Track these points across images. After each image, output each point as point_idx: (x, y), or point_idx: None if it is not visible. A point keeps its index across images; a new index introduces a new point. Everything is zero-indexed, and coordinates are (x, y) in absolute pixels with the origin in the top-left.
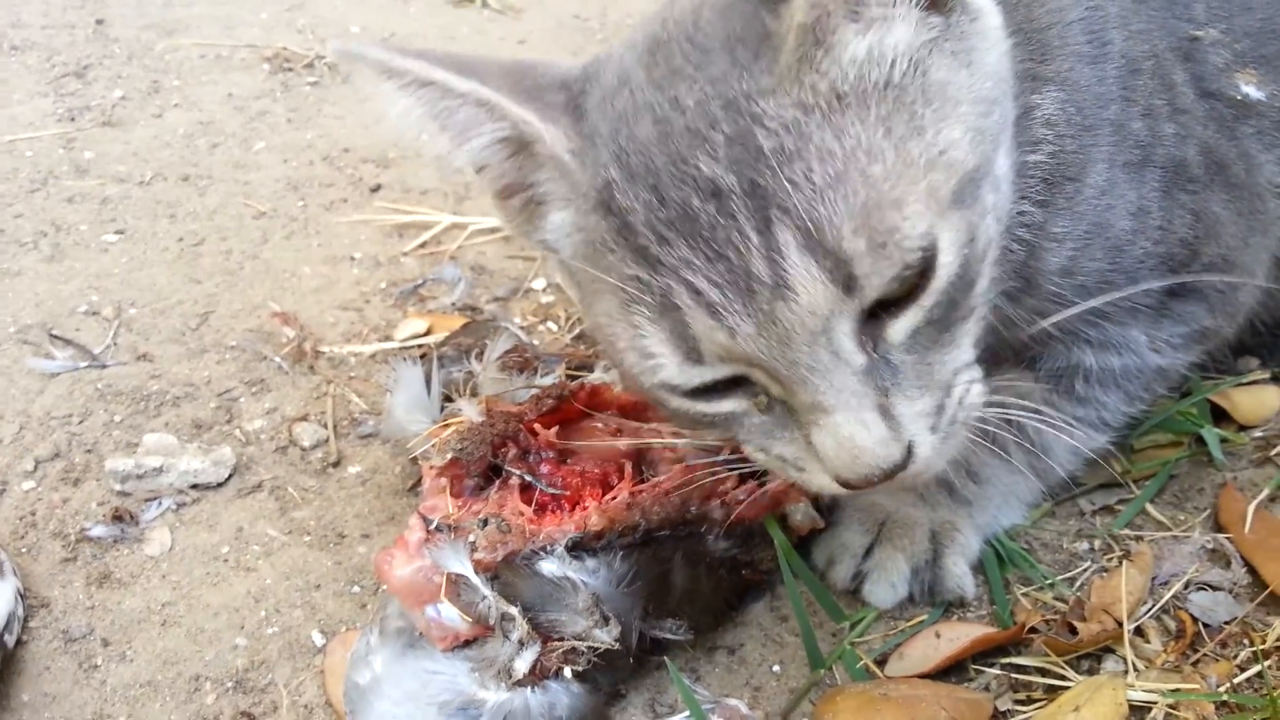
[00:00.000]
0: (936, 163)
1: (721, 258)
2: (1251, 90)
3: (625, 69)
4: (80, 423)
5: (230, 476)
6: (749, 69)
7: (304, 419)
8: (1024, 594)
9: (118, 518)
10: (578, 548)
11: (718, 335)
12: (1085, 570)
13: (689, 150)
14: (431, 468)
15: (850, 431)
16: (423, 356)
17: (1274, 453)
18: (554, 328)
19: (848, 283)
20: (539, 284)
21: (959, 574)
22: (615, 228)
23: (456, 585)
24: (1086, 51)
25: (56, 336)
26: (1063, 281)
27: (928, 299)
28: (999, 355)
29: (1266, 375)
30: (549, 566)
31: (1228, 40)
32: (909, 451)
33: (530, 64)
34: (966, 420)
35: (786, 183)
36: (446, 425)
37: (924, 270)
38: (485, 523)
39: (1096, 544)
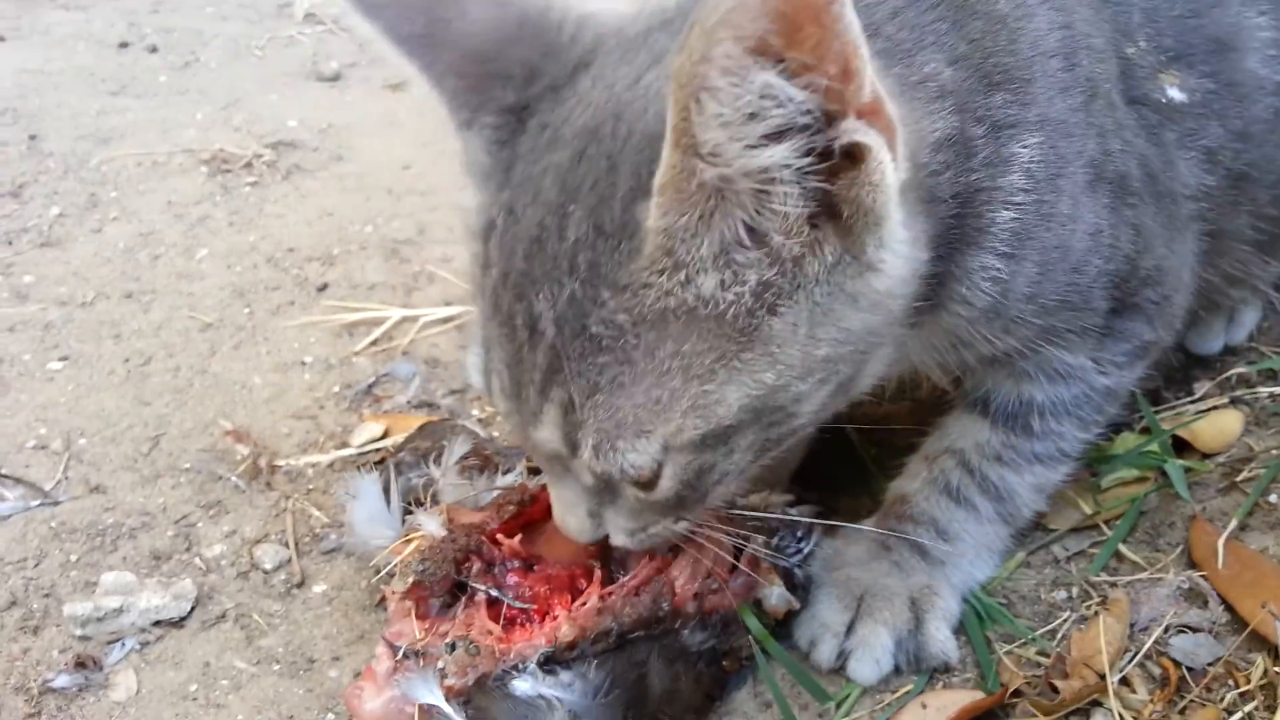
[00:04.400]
0: (698, 410)
1: (515, 364)
2: (1175, 93)
3: (561, 123)
4: (36, 565)
5: (193, 609)
6: (618, 249)
7: (264, 540)
8: (1007, 652)
9: (81, 664)
10: (550, 661)
11: (497, 401)
12: (1065, 621)
13: (542, 274)
14: (394, 593)
15: (560, 512)
16: (380, 462)
17: (1240, 478)
18: None
19: (573, 449)
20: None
21: (942, 639)
22: (480, 261)
23: (430, 714)
24: (1061, 80)
25: (6, 475)
26: (1026, 307)
27: (644, 494)
28: (964, 377)
29: (1225, 400)
30: (522, 686)
31: (1155, 41)
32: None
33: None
34: (671, 534)
35: (580, 368)
36: (408, 540)
37: (645, 480)
38: (453, 646)
39: (1074, 591)
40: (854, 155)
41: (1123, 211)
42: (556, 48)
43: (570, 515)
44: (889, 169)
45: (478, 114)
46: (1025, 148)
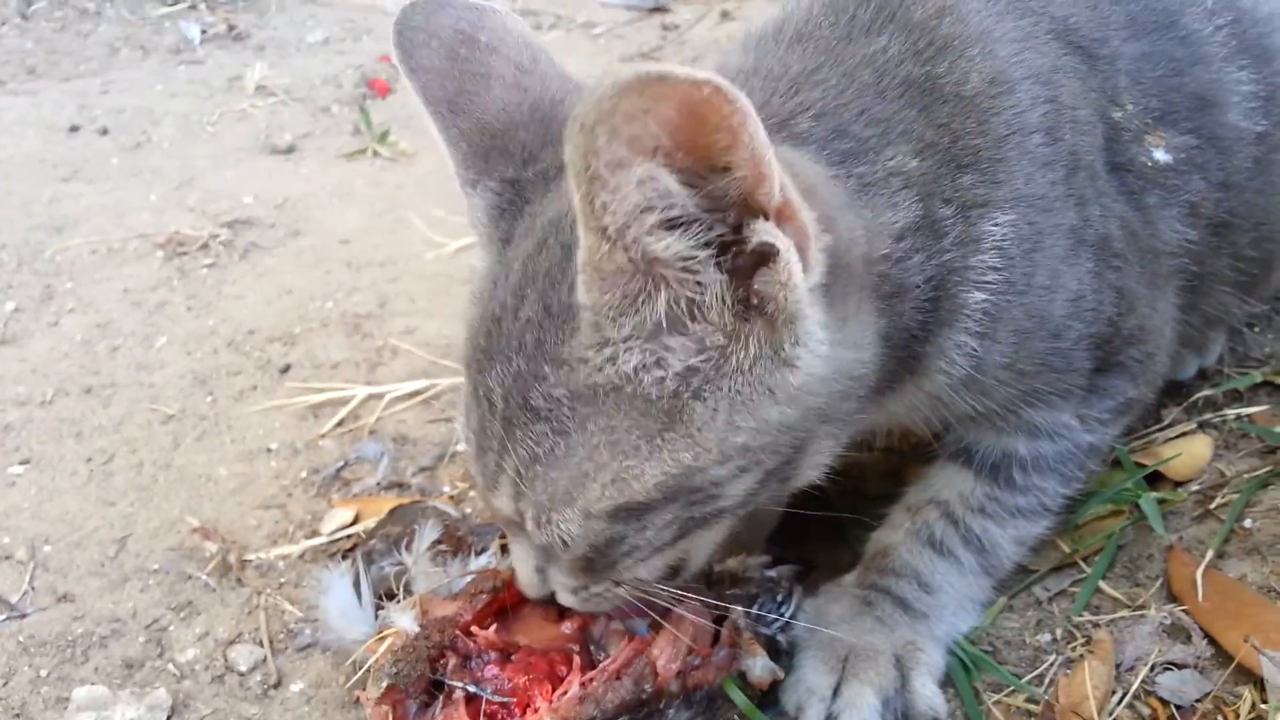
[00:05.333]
0: (617, 484)
1: (480, 432)
2: (1160, 155)
3: (539, 215)
4: (5, 684)
5: (169, 719)
6: (561, 328)
7: (238, 640)
8: (995, 701)
9: None
10: None
11: (469, 464)
12: (1051, 664)
13: (497, 351)
14: (369, 699)
15: (517, 567)
16: (352, 549)
17: (1213, 505)
18: None
19: (521, 517)
20: (464, 446)
21: (929, 695)
22: (466, 330)
23: None
24: (1042, 155)
25: None
26: (1003, 373)
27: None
28: (944, 430)
29: (1193, 425)
30: None
31: (1141, 103)
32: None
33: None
34: (618, 598)
35: (523, 439)
36: (381, 638)
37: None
38: None
39: (1058, 633)
40: (768, 256)
41: (1106, 275)
42: (556, 139)
43: (522, 570)
44: (797, 270)
45: (480, 179)
46: (997, 225)
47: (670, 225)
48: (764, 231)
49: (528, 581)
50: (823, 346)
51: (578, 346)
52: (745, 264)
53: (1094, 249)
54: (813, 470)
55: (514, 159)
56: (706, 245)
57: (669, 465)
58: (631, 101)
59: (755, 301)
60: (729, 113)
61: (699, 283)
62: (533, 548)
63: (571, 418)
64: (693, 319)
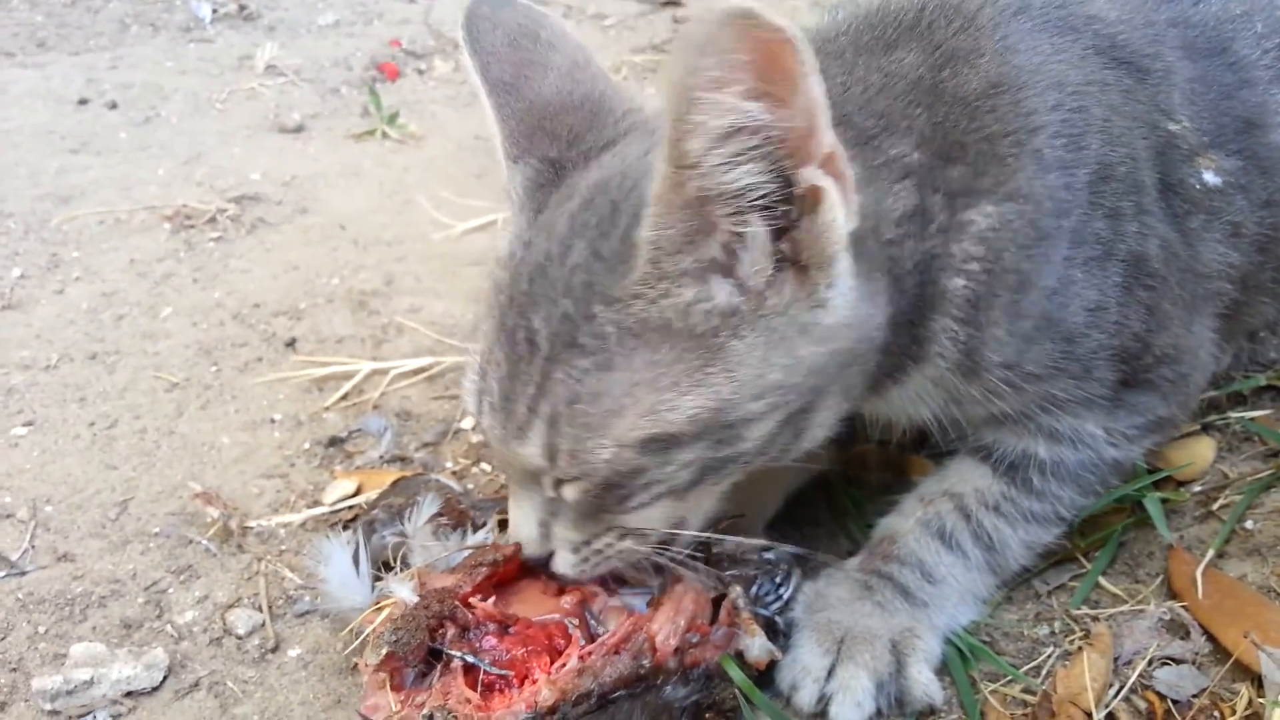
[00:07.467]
0: (652, 415)
1: (512, 378)
2: (1210, 177)
3: (580, 181)
4: (3, 639)
5: (165, 678)
6: (613, 270)
7: (237, 604)
8: (991, 691)
9: None
10: None
11: (484, 419)
12: (1049, 656)
13: (542, 295)
14: (367, 665)
15: (516, 522)
16: (354, 519)
17: (1216, 506)
18: (487, 469)
19: (552, 459)
20: (468, 423)
21: (925, 681)
22: (496, 286)
23: None
24: (1056, 158)
25: None
26: (1008, 373)
27: (579, 488)
28: (958, 428)
29: (1197, 426)
30: None
31: (1196, 122)
32: (551, 554)
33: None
34: (618, 556)
35: (565, 378)
36: (380, 607)
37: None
38: (431, 717)
39: (1057, 626)
40: (813, 202)
41: (1137, 292)
42: (600, 126)
43: (525, 526)
44: (840, 213)
45: (524, 155)
46: (983, 216)
47: (744, 156)
48: (813, 176)
49: (529, 537)
50: (851, 293)
51: (632, 284)
52: (781, 220)
53: (1125, 264)
54: (820, 429)
55: (559, 140)
56: (772, 180)
57: (707, 399)
58: (730, 33)
59: (787, 254)
60: (796, 63)
61: (745, 229)
62: (541, 500)
63: (619, 351)
64: (741, 262)
